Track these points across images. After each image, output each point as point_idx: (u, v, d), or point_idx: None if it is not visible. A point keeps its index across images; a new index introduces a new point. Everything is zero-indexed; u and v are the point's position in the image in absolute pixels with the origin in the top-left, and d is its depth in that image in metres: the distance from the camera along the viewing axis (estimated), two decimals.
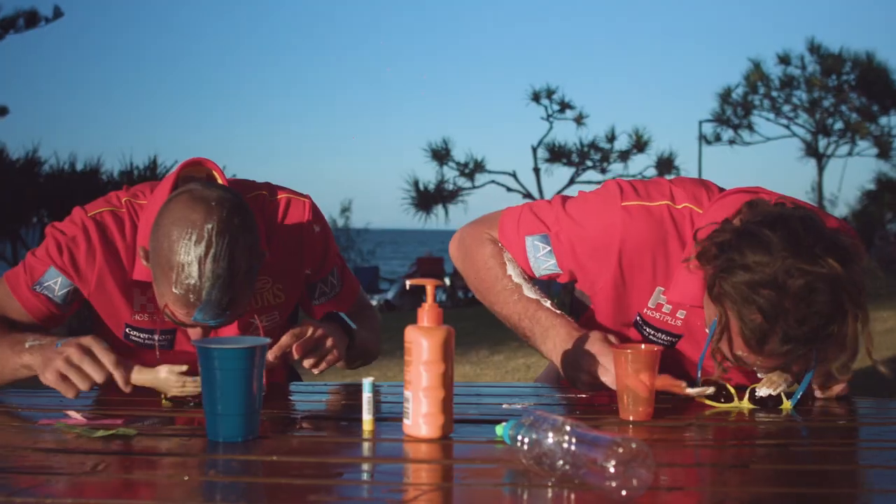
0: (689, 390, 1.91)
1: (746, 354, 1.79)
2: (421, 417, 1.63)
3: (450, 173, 21.63)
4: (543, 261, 2.16)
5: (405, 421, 1.66)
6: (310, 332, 2.02)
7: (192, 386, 1.84)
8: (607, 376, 1.95)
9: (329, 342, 2.05)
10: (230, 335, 2.08)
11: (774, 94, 24.12)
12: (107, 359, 1.83)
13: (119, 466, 1.49)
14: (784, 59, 23.60)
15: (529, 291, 2.17)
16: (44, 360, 1.86)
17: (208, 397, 1.62)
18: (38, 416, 1.83)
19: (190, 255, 1.80)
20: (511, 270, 2.19)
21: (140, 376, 1.86)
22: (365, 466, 1.55)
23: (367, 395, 1.71)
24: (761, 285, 1.70)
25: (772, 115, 24.45)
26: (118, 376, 1.83)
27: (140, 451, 1.59)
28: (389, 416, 1.80)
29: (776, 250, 1.70)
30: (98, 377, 1.82)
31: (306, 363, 2.03)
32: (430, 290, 1.68)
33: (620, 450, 1.30)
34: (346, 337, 2.15)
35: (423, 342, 1.63)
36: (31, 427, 1.76)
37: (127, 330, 2.13)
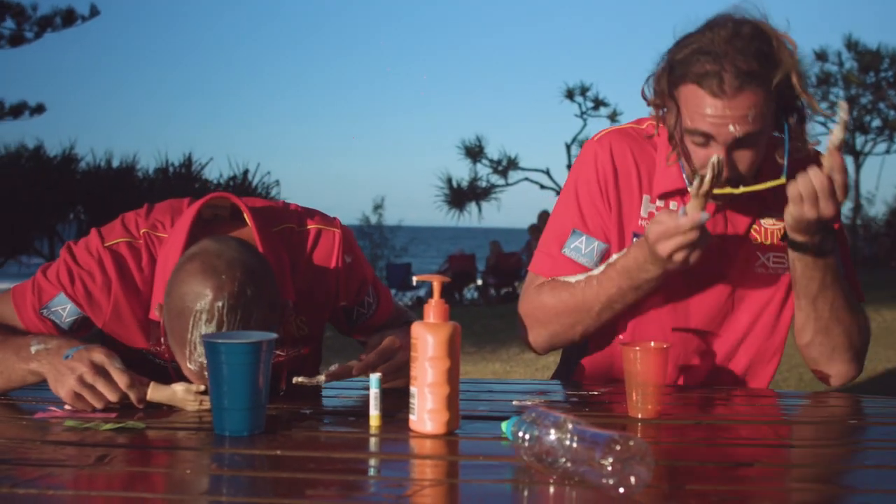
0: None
1: (714, 119, 1.94)
2: (426, 413, 1.64)
3: (483, 171, 21.68)
4: (590, 251, 2.20)
5: (411, 417, 1.66)
6: (397, 355, 1.97)
7: (209, 404, 1.77)
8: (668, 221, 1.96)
9: (404, 374, 1.88)
10: None
11: (811, 90, 23.89)
12: (121, 379, 1.80)
13: (124, 459, 1.50)
14: (821, 56, 23.34)
15: (596, 270, 2.15)
16: (55, 373, 1.82)
17: (215, 391, 1.64)
18: (44, 409, 1.85)
19: (201, 336, 1.75)
20: (572, 280, 2.17)
21: (156, 394, 1.83)
22: (368, 462, 1.56)
23: (374, 391, 1.72)
24: (700, 40, 1.97)
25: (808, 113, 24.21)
26: (133, 396, 1.80)
27: (146, 444, 1.60)
28: (399, 412, 1.80)
29: (705, 27, 1.99)
30: (113, 397, 1.79)
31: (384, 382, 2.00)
32: (436, 286, 1.69)
33: (618, 447, 1.30)
34: None
35: (428, 338, 1.63)
36: (40, 420, 1.77)
37: (143, 353, 2.06)
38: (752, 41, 1.93)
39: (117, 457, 1.51)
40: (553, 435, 1.39)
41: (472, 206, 21.77)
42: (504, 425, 1.59)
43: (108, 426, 1.68)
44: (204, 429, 1.69)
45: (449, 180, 21.62)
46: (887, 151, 24.41)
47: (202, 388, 1.81)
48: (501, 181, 21.58)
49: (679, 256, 1.97)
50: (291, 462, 1.50)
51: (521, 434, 1.44)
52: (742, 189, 2.03)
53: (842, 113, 1.92)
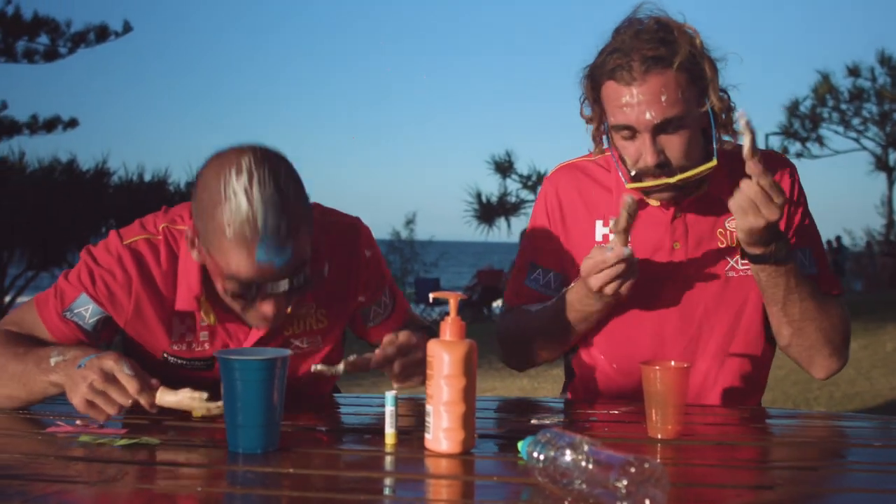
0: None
1: (630, 108, 2.05)
2: (441, 432, 1.62)
3: (512, 185, 21.66)
4: (548, 282, 2.35)
5: (426, 435, 1.64)
6: (414, 352, 1.94)
7: (217, 411, 1.76)
8: (589, 261, 2.06)
9: (420, 372, 1.92)
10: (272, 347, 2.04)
11: (843, 106, 23.72)
12: (130, 384, 1.76)
13: (137, 476, 1.49)
14: (853, 71, 23.18)
15: (552, 301, 2.27)
16: (70, 383, 1.80)
17: (229, 408, 1.62)
18: (54, 423, 1.84)
19: (234, 188, 1.74)
20: (531, 307, 2.32)
21: (164, 398, 1.79)
22: (381, 481, 1.54)
23: (389, 409, 1.70)
24: (612, 44, 2.10)
25: (841, 129, 24.04)
26: (143, 401, 1.76)
27: (160, 461, 1.60)
28: (416, 430, 1.78)
29: (614, 33, 2.12)
30: (123, 401, 1.76)
31: (396, 381, 1.97)
32: (452, 303, 1.67)
33: (633, 469, 1.27)
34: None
35: (444, 356, 1.61)
36: (54, 435, 1.77)
37: (165, 356, 2.08)
38: (655, 33, 2.06)
39: (130, 473, 1.50)
40: (568, 456, 1.37)
41: (501, 221, 21.75)
42: (520, 445, 1.57)
43: (122, 442, 1.67)
44: (217, 446, 1.68)
45: (478, 195, 21.62)
46: None
47: (206, 395, 1.78)
48: (531, 196, 21.54)
49: (609, 289, 2.04)
50: (305, 480, 1.48)
51: (535, 455, 1.42)
52: (678, 177, 2.08)
53: (742, 121, 1.94)
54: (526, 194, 21.50)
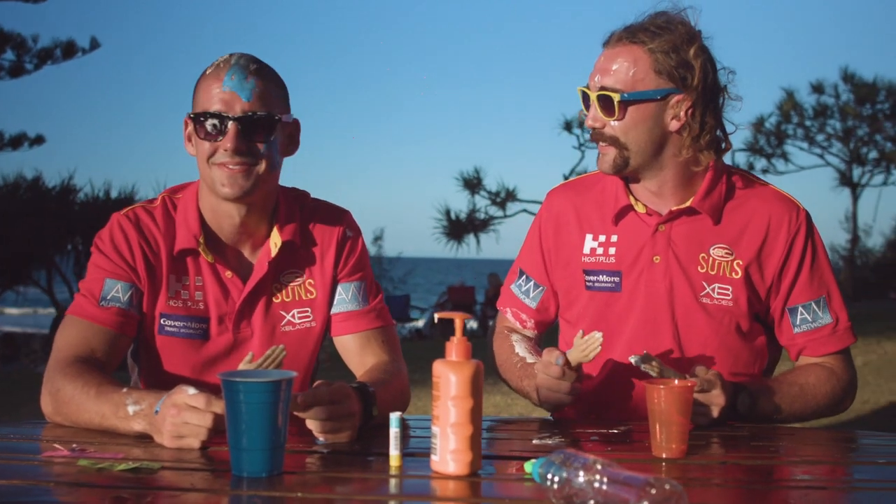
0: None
1: (595, 69, 2.20)
2: (448, 454, 1.60)
3: (481, 202, 21.64)
4: (529, 290, 2.43)
5: (433, 457, 1.62)
6: (344, 406, 1.86)
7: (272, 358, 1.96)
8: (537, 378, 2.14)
9: (349, 427, 1.87)
10: (258, 347, 2.18)
11: (808, 123, 23.93)
12: (198, 401, 1.76)
13: (138, 501, 1.46)
14: (817, 88, 23.42)
15: (531, 359, 2.29)
16: (154, 431, 1.81)
17: (232, 431, 1.59)
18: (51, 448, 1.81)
19: (218, 59, 2.10)
20: (518, 350, 2.35)
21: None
22: None
23: (394, 431, 1.68)
24: None
25: (805, 145, 24.25)
26: (217, 409, 1.73)
27: (162, 485, 1.56)
28: (418, 452, 1.76)
29: None
30: (202, 421, 1.74)
31: (317, 430, 1.84)
32: (458, 323, 1.65)
33: (653, 491, 1.26)
34: (363, 418, 1.93)
35: (450, 377, 1.59)
36: (52, 460, 1.72)
37: (162, 321, 2.16)
38: (656, 18, 2.17)
39: (130, 499, 1.46)
40: (582, 477, 1.36)
41: (471, 238, 21.72)
42: (528, 465, 1.56)
43: (122, 467, 1.64)
44: (221, 470, 1.64)
45: (447, 212, 21.59)
46: (884, 183, 24.44)
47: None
48: (500, 213, 21.54)
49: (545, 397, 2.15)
50: None
51: (549, 476, 1.41)
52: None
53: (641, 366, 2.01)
54: (495, 211, 21.48)
